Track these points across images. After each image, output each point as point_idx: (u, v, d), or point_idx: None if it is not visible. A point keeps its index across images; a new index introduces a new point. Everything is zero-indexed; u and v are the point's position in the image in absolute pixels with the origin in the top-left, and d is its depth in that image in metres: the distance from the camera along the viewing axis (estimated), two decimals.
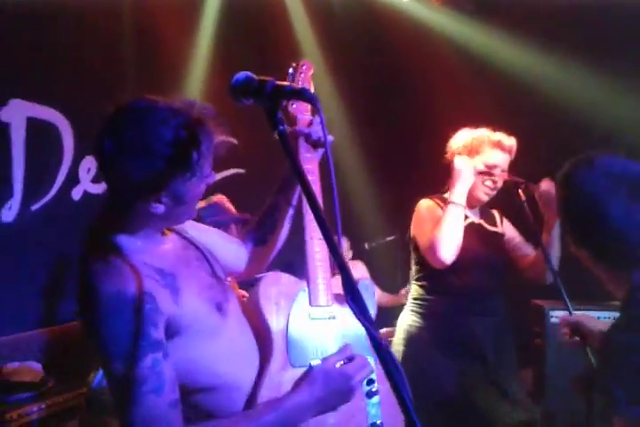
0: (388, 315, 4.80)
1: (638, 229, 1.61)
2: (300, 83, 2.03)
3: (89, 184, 3.70)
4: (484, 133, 2.80)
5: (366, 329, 1.13)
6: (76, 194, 3.64)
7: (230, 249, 1.87)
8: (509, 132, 2.88)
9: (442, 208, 2.74)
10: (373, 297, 2.01)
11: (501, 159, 2.78)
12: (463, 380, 2.73)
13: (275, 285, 1.79)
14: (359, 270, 5.26)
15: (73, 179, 3.62)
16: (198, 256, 1.69)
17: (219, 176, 4.77)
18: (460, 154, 2.78)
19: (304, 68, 2.06)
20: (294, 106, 2.01)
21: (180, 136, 1.41)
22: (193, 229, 1.77)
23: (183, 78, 4.43)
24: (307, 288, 1.84)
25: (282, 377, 1.68)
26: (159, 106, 1.45)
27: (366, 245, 5.28)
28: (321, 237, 1.75)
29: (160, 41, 4.21)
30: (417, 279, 2.92)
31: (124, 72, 3.98)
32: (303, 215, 1.87)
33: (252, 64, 4.85)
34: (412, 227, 2.89)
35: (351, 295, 1.17)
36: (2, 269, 3.17)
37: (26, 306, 3.24)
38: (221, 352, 1.58)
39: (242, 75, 1.37)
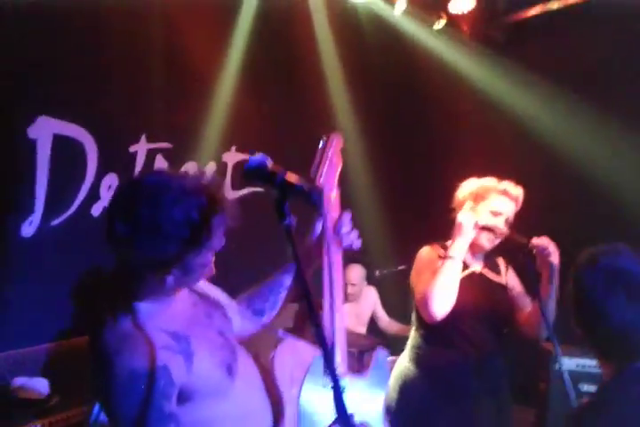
0: (397, 343, 4.83)
1: (634, 328, 1.69)
2: (328, 156, 2.06)
3: (109, 201, 3.75)
4: (491, 181, 2.80)
5: None
6: (96, 210, 3.66)
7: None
8: (519, 180, 2.87)
9: (441, 258, 2.68)
10: (387, 371, 2.09)
11: (507, 207, 2.77)
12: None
13: (290, 353, 1.81)
14: (371, 296, 5.30)
15: (94, 195, 3.65)
16: (207, 312, 1.73)
17: (237, 195, 4.88)
18: (465, 201, 2.77)
19: (334, 142, 2.10)
20: (322, 179, 2.00)
21: (193, 217, 1.45)
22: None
23: (210, 101, 4.46)
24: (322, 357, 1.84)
25: None
26: (172, 185, 1.47)
27: (377, 273, 5.32)
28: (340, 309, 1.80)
29: (189, 61, 4.25)
30: (416, 328, 2.88)
31: (151, 89, 4.02)
32: (323, 283, 1.86)
33: (276, 85, 4.92)
34: (412, 274, 2.88)
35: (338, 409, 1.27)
36: (18, 283, 3.21)
37: (40, 320, 3.25)
38: (230, 414, 1.63)
39: (256, 160, 1.46)
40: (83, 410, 2.91)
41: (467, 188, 2.84)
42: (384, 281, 5.39)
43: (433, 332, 2.76)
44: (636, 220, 4.35)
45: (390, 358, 4.51)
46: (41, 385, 2.90)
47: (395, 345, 4.69)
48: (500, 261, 2.98)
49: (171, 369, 1.46)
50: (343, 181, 5.54)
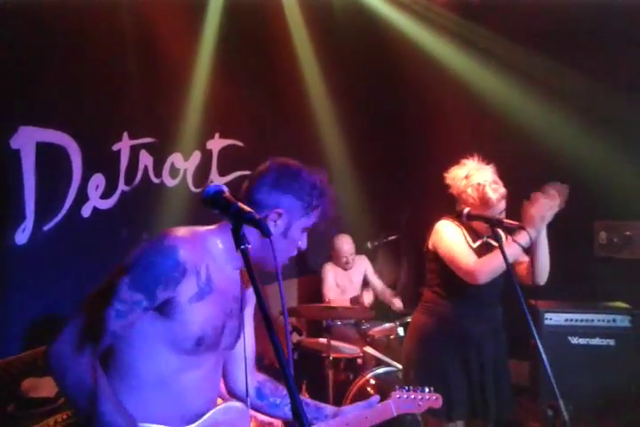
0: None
1: None
2: None
3: (98, 200, 3.86)
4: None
5: None
6: (86, 211, 3.79)
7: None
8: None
9: (461, 229, 3.19)
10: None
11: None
12: (463, 372, 3.16)
13: (226, 415, 1.97)
14: (362, 264, 5.51)
15: (82, 197, 3.76)
16: (237, 308, 1.96)
17: (224, 181, 4.99)
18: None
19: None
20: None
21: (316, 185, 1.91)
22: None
23: (187, 91, 4.54)
24: None
25: None
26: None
27: (369, 244, 5.52)
28: None
29: (162, 55, 4.32)
30: (430, 286, 3.32)
31: (127, 89, 4.09)
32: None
33: (252, 70, 4.99)
34: (434, 244, 3.22)
35: None
36: (18, 289, 3.35)
37: (41, 322, 3.42)
38: (184, 370, 1.84)
39: (213, 188, 1.60)
40: None
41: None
42: (376, 252, 5.58)
43: (446, 289, 3.23)
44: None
45: (388, 324, 4.75)
46: (49, 384, 3.04)
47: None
48: (501, 233, 3.32)
49: (183, 281, 1.75)
50: (325, 160, 5.62)
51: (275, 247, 1.75)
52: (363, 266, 5.59)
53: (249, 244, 1.53)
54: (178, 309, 1.76)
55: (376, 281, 5.56)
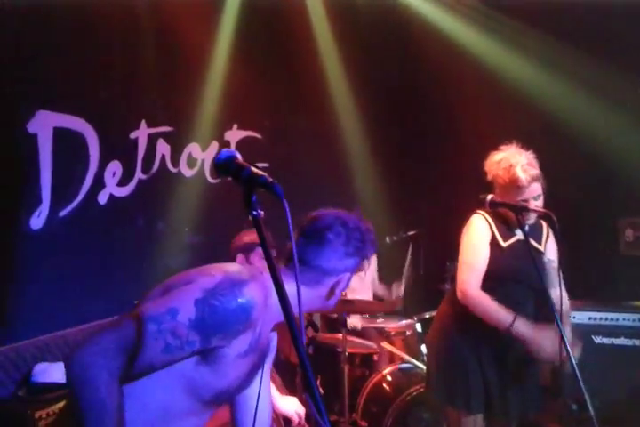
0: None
1: None
2: None
3: (115, 188, 3.84)
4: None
5: None
6: (102, 198, 3.77)
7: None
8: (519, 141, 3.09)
9: (490, 227, 3.04)
10: None
11: None
12: (483, 365, 3.04)
13: None
14: (372, 262, 5.41)
15: (99, 183, 3.74)
16: (260, 363, 1.86)
17: None
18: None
19: None
20: None
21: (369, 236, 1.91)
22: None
23: (205, 80, 4.51)
24: None
25: None
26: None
27: (388, 239, 5.43)
28: None
29: (180, 43, 4.28)
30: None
31: (145, 77, 4.07)
32: None
33: (271, 61, 4.95)
34: (465, 240, 3.10)
35: None
36: (31, 274, 3.32)
37: (54, 308, 3.39)
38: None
39: (225, 154, 1.52)
40: None
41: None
42: (395, 247, 5.50)
43: None
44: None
45: (405, 321, 4.67)
46: (62, 370, 3.01)
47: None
48: (544, 227, 3.20)
49: (239, 338, 1.66)
50: (344, 153, 5.57)
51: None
52: (372, 264, 5.45)
53: (262, 210, 1.46)
54: (223, 360, 1.67)
55: (376, 286, 5.46)
